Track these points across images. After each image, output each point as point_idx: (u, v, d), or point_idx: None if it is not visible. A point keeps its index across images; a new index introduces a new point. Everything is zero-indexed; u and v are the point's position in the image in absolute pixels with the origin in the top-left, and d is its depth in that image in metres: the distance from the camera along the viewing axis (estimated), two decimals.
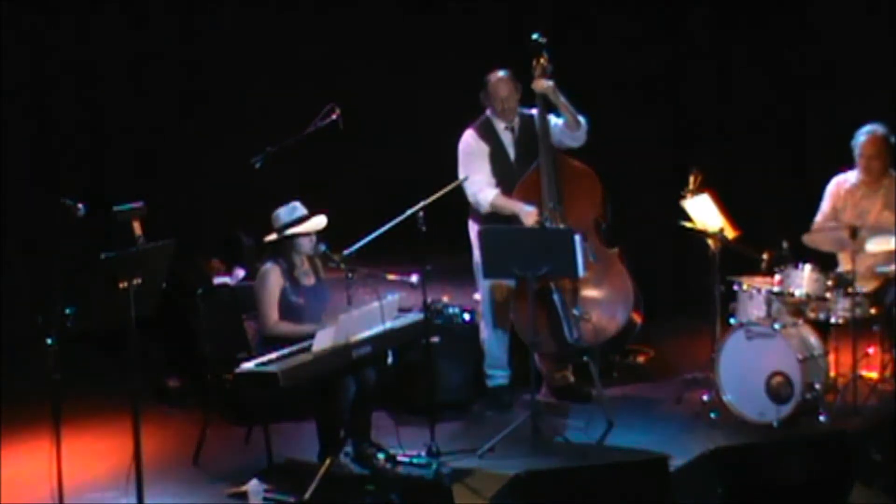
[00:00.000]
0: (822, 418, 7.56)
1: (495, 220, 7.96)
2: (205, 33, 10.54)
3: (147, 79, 10.36)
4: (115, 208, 6.89)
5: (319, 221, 7.29)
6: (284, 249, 7.27)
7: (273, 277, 7.19)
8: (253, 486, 6.85)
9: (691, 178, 8.19)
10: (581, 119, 8.03)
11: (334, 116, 8.18)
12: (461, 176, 7.97)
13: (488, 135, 8.12)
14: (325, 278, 7.40)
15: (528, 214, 7.89)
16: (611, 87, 10.36)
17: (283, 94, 10.40)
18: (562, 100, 7.98)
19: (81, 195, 6.64)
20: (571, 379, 8.30)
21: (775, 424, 7.48)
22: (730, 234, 8.11)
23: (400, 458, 7.21)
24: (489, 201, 7.98)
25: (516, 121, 8.14)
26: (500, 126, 8.14)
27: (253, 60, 10.61)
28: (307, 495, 6.69)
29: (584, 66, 8.67)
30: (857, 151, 8.21)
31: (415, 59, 10.92)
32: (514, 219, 7.93)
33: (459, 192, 7.93)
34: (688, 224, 8.18)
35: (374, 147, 10.73)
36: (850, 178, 8.31)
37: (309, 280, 7.31)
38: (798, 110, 10.57)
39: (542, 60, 8.00)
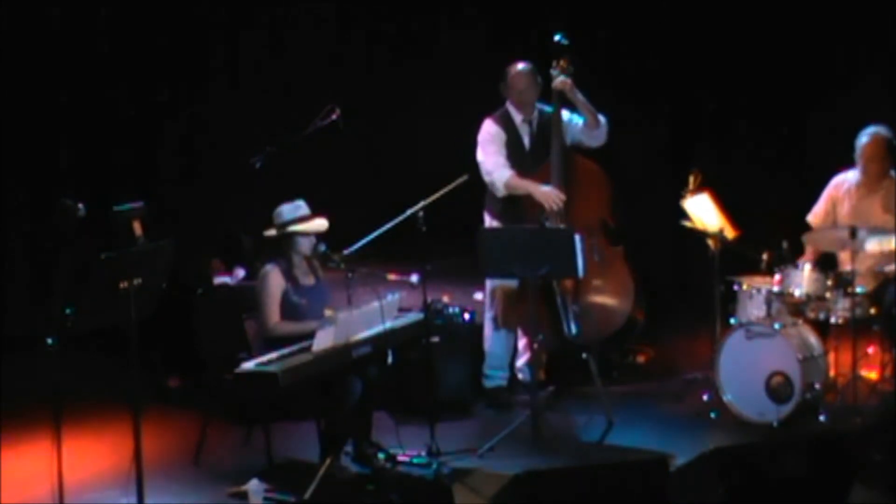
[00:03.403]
0: (822, 418, 7.55)
1: (511, 212, 7.96)
2: (205, 31, 10.54)
3: (147, 78, 10.36)
4: (115, 208, 6.89)
5: (321, 223, 7.29)
6: (283, 247, 7.26)
7: (274, 279, 7.18)
8: (253, 485, 6.85)
9: (691, 178, 8.19)
10: (601, 118, 8.06)
11: (334, 116, 8.19)
12: (479, 158, 7.98)
13: (506, 125, 8.17)
14: (324, 278, 7.40)
15: (545, 193, 7.89)
16: (610, 88, 10.35)
17: (283, 93, 10.40)
18: (580, 98, 7.99)
19: (81, 195, 6.64)
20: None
21: (775, 424, 7.48)
22: (730, 234, 8.11)
23: (400, 458, 7.21)
24: (504, 181, 7.98)
25: (535, 115, 8.17)
26: (518, 119, 8.17)
27: (253, 60, 10.61)
28: (307, 495, 6.69)
29: (585, 65, 8.66)
30: (857, 153, 8.20)
31: (416, 58, 10.91)
32: (524, 210, 7.93)
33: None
34: (688, 224, 8.19)
35: (374, 146, 10.73)
36: (849, 177, 8.30)
37: (308, 280, 7.31)
38: (798, 109, 10.57)
39: (562, 62, 8.01)
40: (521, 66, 8.14)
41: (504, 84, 8.17)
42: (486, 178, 8.07)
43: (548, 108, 8.16)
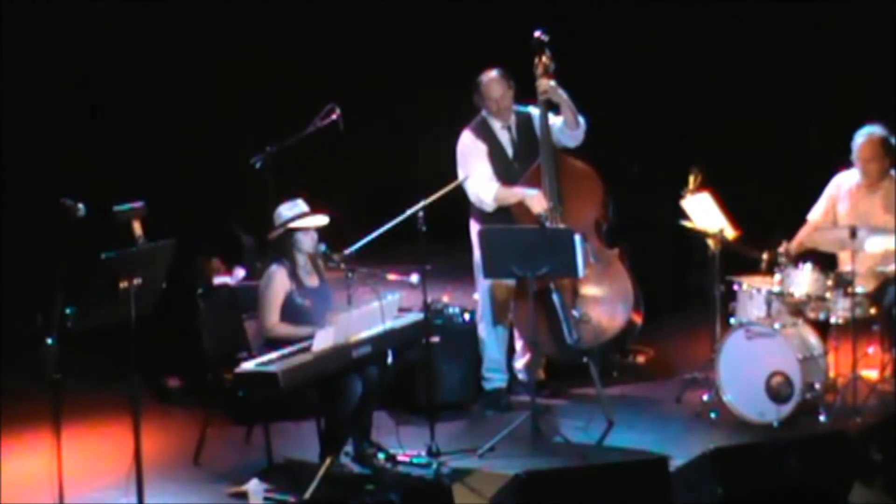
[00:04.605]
0: (822, 418, 7.56)
1: (498, 219, 7.93)
2: (205, 32, 10.54)
3: (147, 78, 10.36)
4: (115, 208, 6.90)
5: (320, 218, 7.29)
6: (286, 246, 7.26)
7: (279, 280, 7.17)
8: (253, 485, 6.85)
9: (691, 178, 8.19)
10: (580, 119, 8.01)
11: (334, 116, 8.19)
12: (461, 177, 7.95)
13: (485, 134, 8.08)
14: (328, 279, 7.39)
15: (535, 198, 7.84)
16: (611, 87, 10.36)
17: (283, 94, 10.40)
18: (564, 97, 7.94)
19: (81, 195, 6.64)
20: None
21: (775, 424, 7.49)
22: (730, 234, 8.12)
23: (400, 458, 7.21)
24: (493, 196, 7.92)
25: (513, 119, 8.10)
26: (497, 126, 8.10)
27: (253, 60, 10.61)
28: (307, 495, 6.69)
29: (584, 65, 8.67)
30: (854, 154, 8.18)
31: (415, 58, 10.91)
32: (515, 217, 7.91)
33: (460, 191, 7.91)
34: (688, 224, 8.18)
35: (374, 147, 10.73)
36: (850, 177, 8.30)
37: (313, 280, 7.31)
38: (798, 109, 10.57)
39: (543, 58, 7.94)
40: (493, 73, 8.04)
41: (478, 94, 8.05)
42: (473, 198, 7.98)
43: (523, 109, 8.11)
